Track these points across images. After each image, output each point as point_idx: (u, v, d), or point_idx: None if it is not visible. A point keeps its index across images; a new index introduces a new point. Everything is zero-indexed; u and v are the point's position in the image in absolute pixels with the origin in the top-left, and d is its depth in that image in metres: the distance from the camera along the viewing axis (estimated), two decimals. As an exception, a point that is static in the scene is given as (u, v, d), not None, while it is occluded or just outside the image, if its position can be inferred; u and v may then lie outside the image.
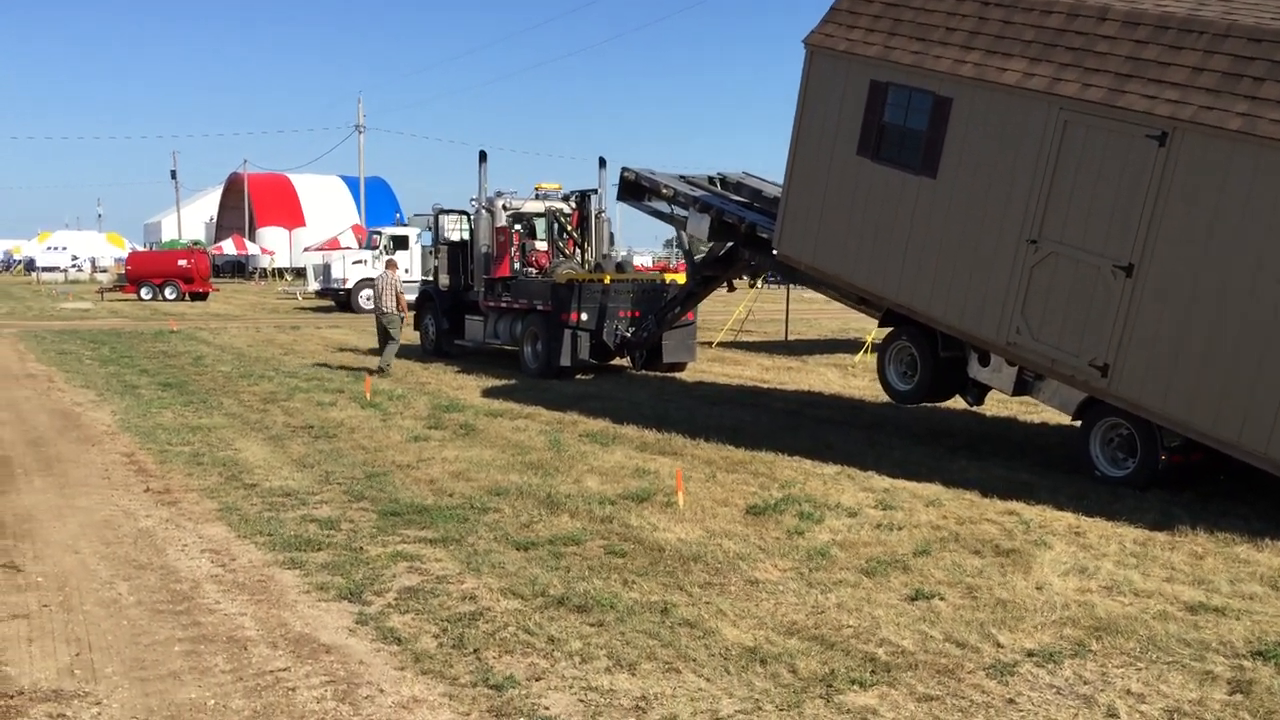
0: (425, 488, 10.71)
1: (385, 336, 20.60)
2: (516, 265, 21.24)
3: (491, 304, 21.37)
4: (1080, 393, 11.26)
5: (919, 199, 12.05)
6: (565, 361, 19.38)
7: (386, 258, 23.31)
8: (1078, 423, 11.61)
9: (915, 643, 6.48)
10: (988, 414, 15.28)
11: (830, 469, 11.57)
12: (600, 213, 22.09)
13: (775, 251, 14.05)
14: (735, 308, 30.32)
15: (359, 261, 40.51)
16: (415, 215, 43.60)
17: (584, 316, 19.40)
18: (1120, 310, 10.21)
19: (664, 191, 17.20)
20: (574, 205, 22.05)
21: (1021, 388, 12.07)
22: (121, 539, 8.71)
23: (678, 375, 20.27)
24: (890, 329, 13.55)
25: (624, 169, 18.01)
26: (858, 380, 19.96)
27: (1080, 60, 10.62)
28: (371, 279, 39.79)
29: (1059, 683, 5.93)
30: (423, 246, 40.12)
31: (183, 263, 48.60)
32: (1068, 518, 9.51)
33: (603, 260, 21.80)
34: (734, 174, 18.63)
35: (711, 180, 18.45)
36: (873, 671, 6.04)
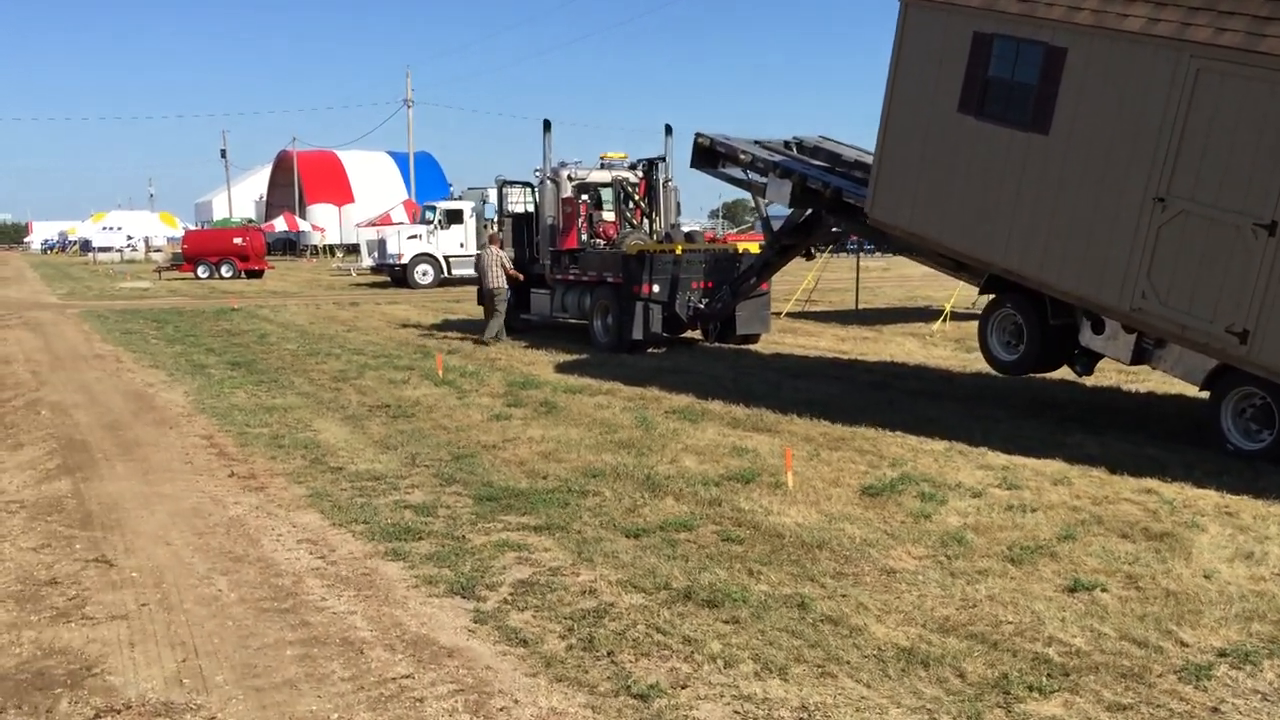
0: (516, 469, 10.23)
1: (491, 310, 20.95)
2: (584, 237, 20.69)
3: (559, 277, 20.85)
4: (1209, 361, 10.58)
5: (1029, 157, 11.35)
6: (638, 335, 18.83)
7: (489, 233, 22.92)
8: (1204, 393, 10.94)
9: (1088, 641, 5.89)
10: (1090, 384, 14.56)
11: (938, 445, 10.96)
12: (668, 181, 21.47)
13: (868, 217, 13.38)
14: (802, 277, 29.60)
15: (414, 236, 40.15)
16: (469, 189, 43.29)
17: (656, 288, 18.84)
18: (1262, 272, 9.49)
19: (741, 157, 16.56)
20: (641, 174, 21.44)
21: (1140, 356, 11.39)
22: (213, 529, 8.29)
23: (752, 347, 19.67)
24: (993, 296, 12.89)
25: (698, 134, 17.40)
26: (939, 350, 19.29)
27: (1212, 3, 9.86)
28: (428, 253, 39.64)
29: (1263, 687, 5.33)
30: (483, 219, 39.75)
31: (238, 241, 48.51)
32: (1212, 496, 8.86)
33: (671, 230, 21.20)
34: (810, 138, 17.95)
35: (787, 145, 17.78)
36: (1049, 675, 5.47)
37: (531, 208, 22.26)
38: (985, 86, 11.77)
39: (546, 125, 21.34)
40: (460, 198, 42.56)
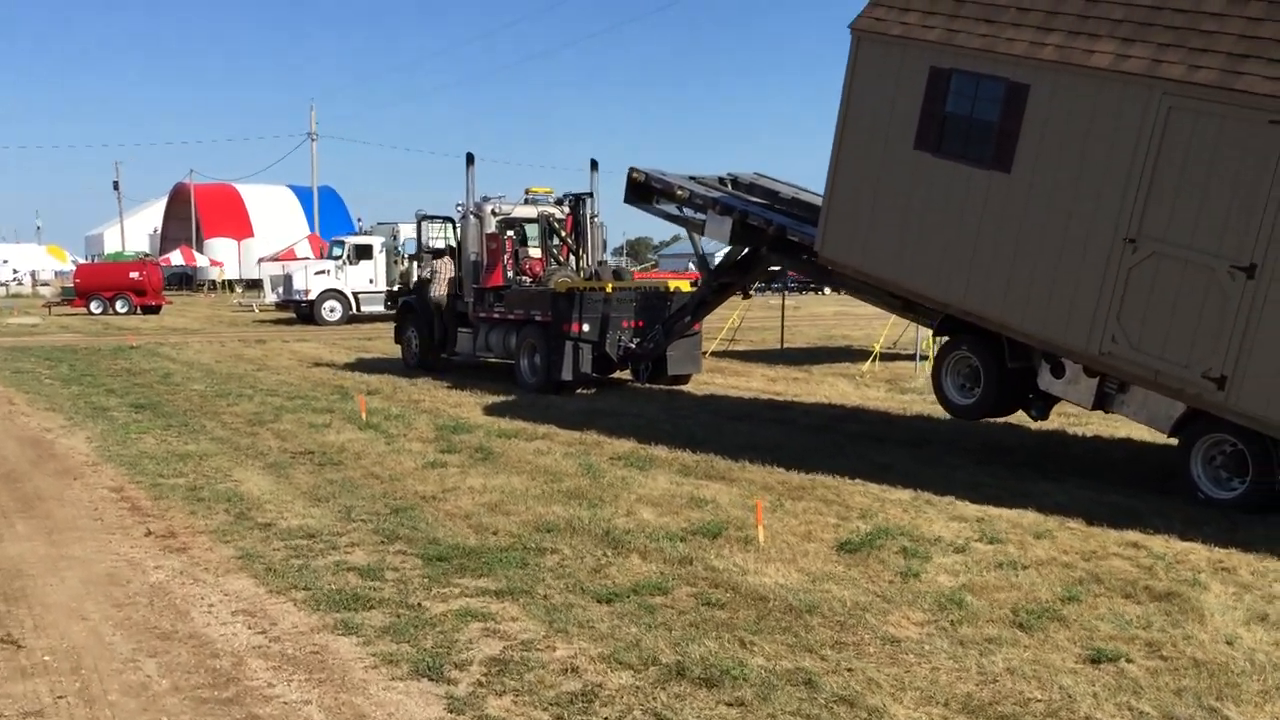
0: (462, 524, 9.50)
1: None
2: (509, 274, 19.99)
3: (483, 315, 20.12)
4: (1176, 407, 10.30)
5: (990, 196, 11.02)
6: (567, 375, 18.17)
7: (436, 248, 22.26)
8: (1172, 440, 10.67)
9: (1130, 721, 5.40)
10: (1034, 428, 14.26)
11: (902, 494, 10.49)
12: (594, 217, 20.91)
13: (817, 255, 12.96)
14: (725, 315, 29.21)
15: (322, 272, 39.01)
16: (378, 224, 42.29)
17: (586, 327, 18.22)
18: (1240, 316, 9.22)
19: (678, 193, 16.08)
20: (568, 210, 20.85)
21: (1101, 401, 11.09)
22: (134, 598, 7.42)
23: (684, 388, 19.12)
24: (947, 338, 12.53)
25: (632, 169, 16.88)
26: (872, 391, 18.97)
27: (1183, 40, 9.63)
28: (336, 289, 38.52)
29: (1333, 774, 4.87)
30: (393, 254, 38.82)
31: (134, 275, 46.71)
32: (1200, 550, 8.49)
33: (599, 267, 20.63)
34: (745, 174, 17.57)
35: (722, 181, 17.38)
36: (1099, 763, 4.95)
37: (454, 243, 21.49)
38: (943, 123, 11.44)
39: (469, 159, 20.70)
40: (369, 232, 41.50)
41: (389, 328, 36.12)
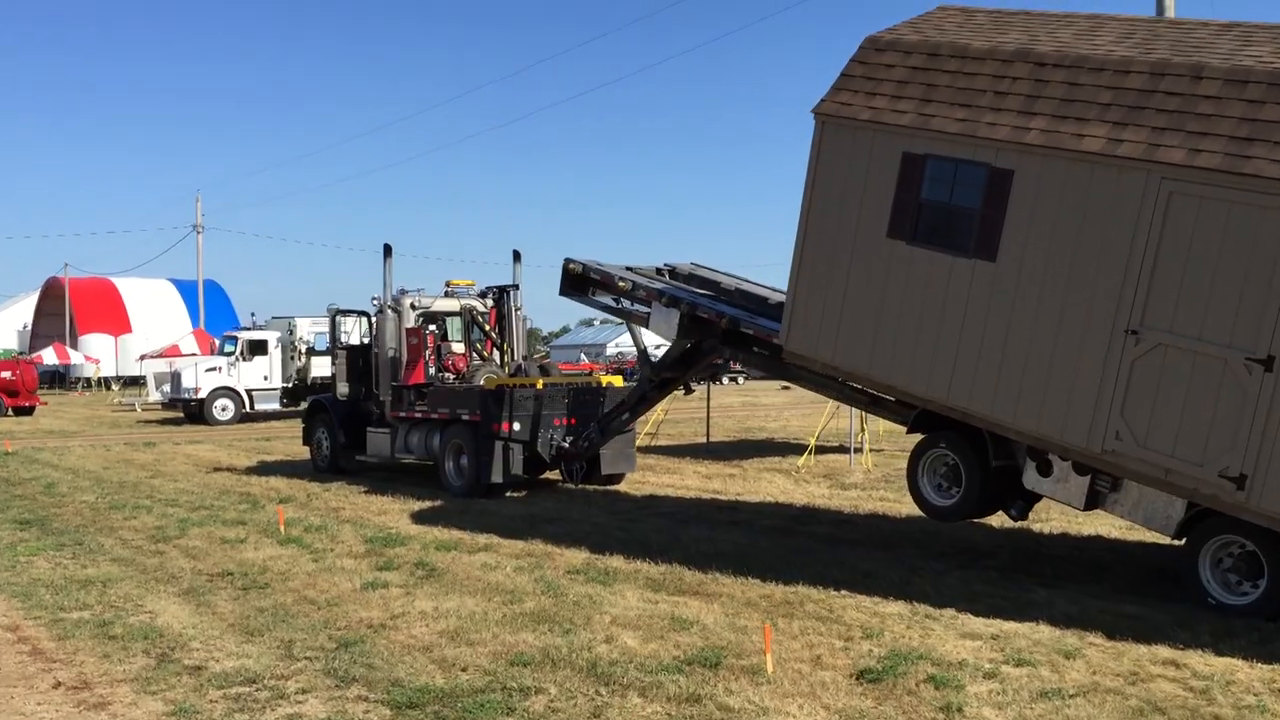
0: (423, 659, 8.39)
1: None
2: (431, 370, 18.92)
3: (402, 414, 18.97)
4: (1177, 506, 9.73)
5: (974, 287, 10.45)
6: (497, 478, 17.11)
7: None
8: (1159, 538, 10.10)
9: None
10: (996, 525, 13.65)
11: (898, 607, 9.69)
12: (518, 309, 20.03)
13: (782, 350, 12.24)
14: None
15: (213, 369, 37.23)
16: (273, 318, 40.76)
17: (516, 426, 17.22)
18: (1260, 410, 8.69)
19: (620, 285, 15.31)
20: (491, 302, 19.93)
21: (1094, 500, 10.48)
22: (53, 777, 6.19)
23: (620, 488, 18.18)
24: (923, 436, 11.86)
25: (568, 260, 16.08)
26: (814, 488, 18.25)
27: (1180, 124, 9.23)
28: (229, 386, 36.79)
29: None
30: (289, 350, 37.31)
31: (6, 374, 44.14)
32: (1242, 666, 7.83)
33: (525, 363, 19.70)
34: (683, 265, 16.93)
35: (659, 271, 16.71)
36: None
37: (368, 339, 20.36)
38: (918, 210, 10.89)
39: (387, 250, 19.67)
40: (263, 327, 39.89)
41: (286, 427, 34.78)
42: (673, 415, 31.73)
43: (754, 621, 9.26)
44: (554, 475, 18.73)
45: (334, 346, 21.04)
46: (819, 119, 11.65)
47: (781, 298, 15.79)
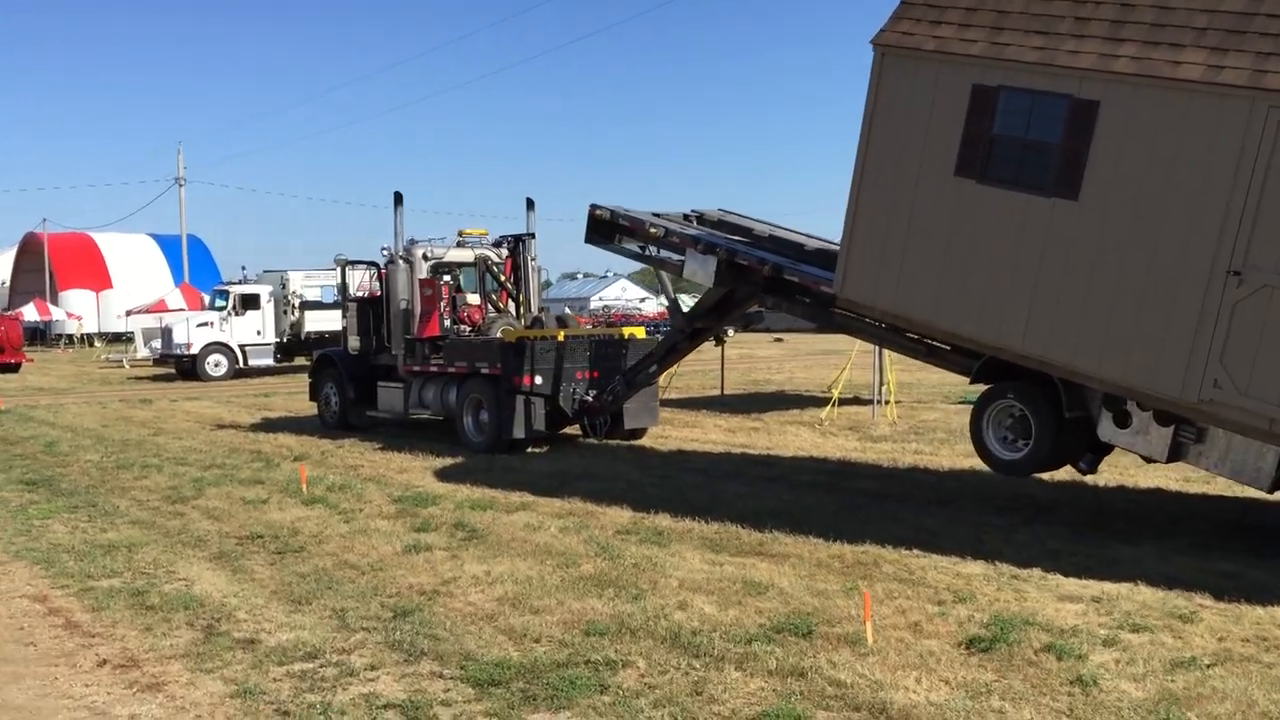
0: (488, 628, 7.82)
1: None
2: (446, 323, 18.22)
3: (416, 368, 18.30)
4: (1268, 457, 9.20)
5: (1053, 227, 9.82)
6: (519, 433, 16.49)
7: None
8: (1250, 492, 9.58)
9: None
10: (1047, 479, 13.10)
11: (978, 568, 9.17)
12: (533, 259, 19.32)
13: (836, 296, 11.61)
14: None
15: (205, 324, 36.37)
16: (264, 272, 39.87)
17: (538, 380, 16.58)
18: (1381, 356, 8.14)
19: (652, 231, 14.61)
20: (507, 252, 19.21)
21: (1176, 452, 9.94)
22: (117, 771, 5.59)
23: (644, 443, 17.59)
24: (988, 386, 11.28)
25: (595, 206, 15.36)
26: (842, 440, 17.74)
27: (1288, 48, 8.60)
28: (222, 342, 35.98)
29: None
30: (284, 304, 36.54)
31: (-9, 331, 43.17)
32: (1376, 628, 7.32)
33: (541, 314, 19.03)
34: (711, 211, 16.21)
35: (686, 218, 15.99)
36: None
37: (378, 290, 19.62)
38: (990, 146, 10.23)
39: (398, 198, 18.90)
40: (255, 280, 39.01)
41: (282, 382, 34.05)
42: (680, 369, 31.12)
43: (832, 584, 8.72)
44: (573, 430, 18.13)
45: (344, 299, 20.28)
46: (878, 50, 10.95)
47: (818, 244, 15.23)
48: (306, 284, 37.61)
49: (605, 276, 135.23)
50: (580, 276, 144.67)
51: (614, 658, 7.05)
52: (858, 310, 11.64)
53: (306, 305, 37.03)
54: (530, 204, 19.70)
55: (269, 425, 21.52)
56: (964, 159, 10.38)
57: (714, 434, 18.87)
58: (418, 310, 18.39)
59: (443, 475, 14.73)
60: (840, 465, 15.10)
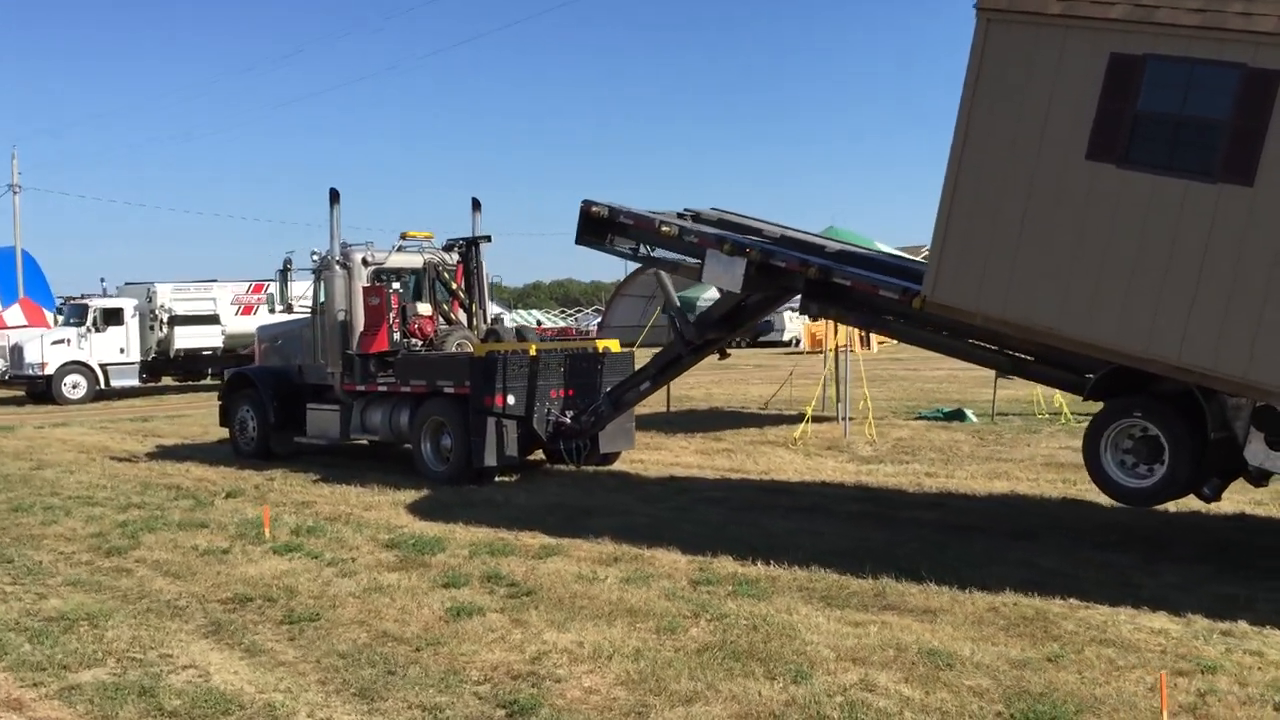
0: (643, 730, 5.95)
1: None
2: (396, 336, 16.05)
3: (360, 388, 16.09)
4: None
5: (1219, 216, 8.45)
6: (490, 460, 14.48)
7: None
8: None
9: None
10: (1099, 502, 11.80)
11: (1164, 620, 7.74)
12: (482, 265, 17.29)
13: (924, 300, 10.05)
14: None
15: (61, 341, 32.89)
16: (126, 284, 36.48)
17: (511, 400, 14.62)
18: None
19: (665, 230, 12.83)
20: (458, 257, 17.14)
21: (1342, 476, 8.71)
22: None
23: (630, 470, 15.65)
24: (1106, 403, 9.87)
25: (591, 203, 13.51)
26: (831, 461, 16.24)
27: None
28: (80, 361, 32.63)
29: None
30: (151, 320, 33.38)
31: None
32: None
33: (496, 326, 17.05)
34: (707, 211, 14.56)
35: (682, 216, 14.30)
36: None
37: (310, 300, 17.26)
38: (1134, 125, 8.82)
39: (334, 195, 16.62)
40: (116, 294, 35.59)
41: (153, 405, 30.97)
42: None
43: (1022, 649, 7.13)
44: (537, 456, 16.18)
45: (287, 304, 17.62)
46: (983, 16, 9.46)
47: (838, 246, 13.72)
48: (176, 297, 34.47)
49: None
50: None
51: (858, 772, 5.29)
52: (951, 315, 10.09)
53: (176, 320, 33.90)
54: (476, 204, 17.65)
55: (170, 454, 18.87)
56: (1099, 140, 8.95)
57: (687, 457, 17.15)
58: (359, 322, 16.18)
59: (420, 512, 12.65)
60: (861, 491, 13.55)
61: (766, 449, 17.63)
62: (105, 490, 14.96)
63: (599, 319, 66.72)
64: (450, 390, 14.81)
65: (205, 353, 34.59)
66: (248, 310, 35.43)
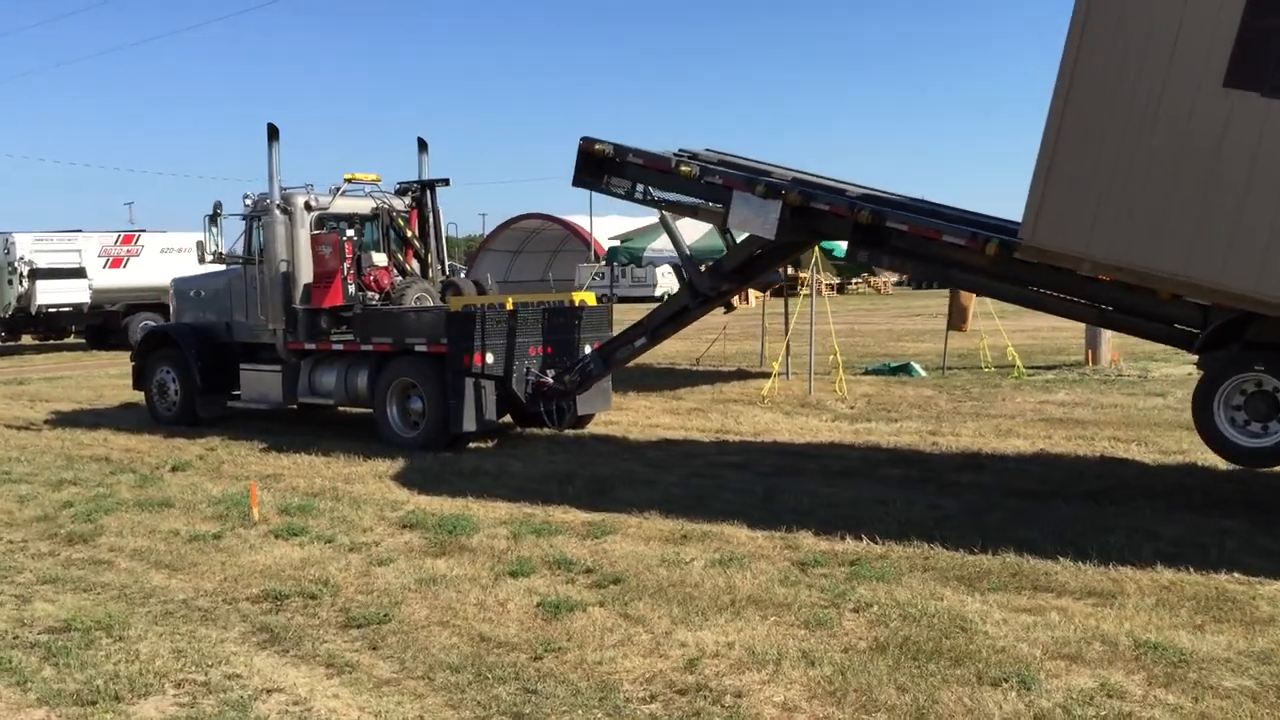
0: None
1: None
2: (351, 289, 14.43)
3: (310, 346, 14.47)
4: None
5: (1386, 151, 7.70)
6: (468, 425, 13.10)
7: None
8: None
9: None
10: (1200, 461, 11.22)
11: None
12: (438, 211, 15.76)
13: (1022, 243, 9.08)
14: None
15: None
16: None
17: (490, 359, 13.25)
18: None
19: (684, 170, 11.61)
20: (411, 202, 15.56)
21: None
22: None
23: (615, 433, 14.40)
24: (1219, 357, 9.09)
25: (592, 140, 12.18)
26: (815, 421, 15.31)
27: None
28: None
29: None
30: (8, 273, 30.59)
31: None
32: None
33: (454, 277, 15.57)
34: (704, 152, 13.36)
35: (678, 156, 13.07)
36: None
37: (240, 249, 15.45)
38: (1282, 48, 7.99)
39: (273, 132, 14.78)
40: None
41: (19, 365, 28.31)
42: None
43: (1238, 638, 6.27)
44: (508, 419, 14.84)
45: (225, 258, 15.62)
46: (1102, -78, 8.49)
47: (860, 190, 12.70)
48: (38, 249, 31.68)
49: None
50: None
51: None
52: (1053, 260, 9.15)
53: (38, 274, 31.15)
54: (423, 144, 16.09)
55: (74, 421, 16.85)
56: (1240, 65, 8.08)
57: (660, 417, 16.01)
58: (305, 273, 14.52)
59: (414, 485, 11.24)
60: (878, 452, 12.60)
61: (737, 408, 16.62)
62: (22, 465, 13.10)
63: (463, 272, 64.91)
64: (424, 349, 13.34)
65: (69, 309, 31.99)
66: (117, 263, 32.89)
